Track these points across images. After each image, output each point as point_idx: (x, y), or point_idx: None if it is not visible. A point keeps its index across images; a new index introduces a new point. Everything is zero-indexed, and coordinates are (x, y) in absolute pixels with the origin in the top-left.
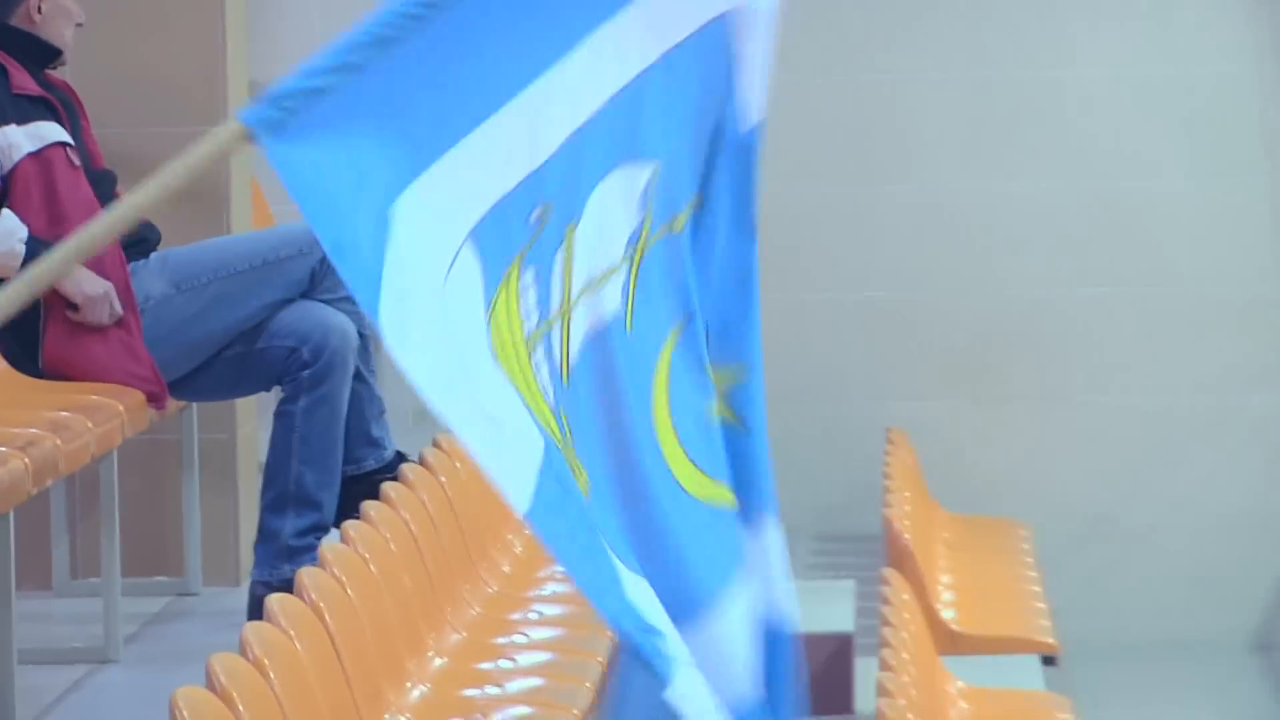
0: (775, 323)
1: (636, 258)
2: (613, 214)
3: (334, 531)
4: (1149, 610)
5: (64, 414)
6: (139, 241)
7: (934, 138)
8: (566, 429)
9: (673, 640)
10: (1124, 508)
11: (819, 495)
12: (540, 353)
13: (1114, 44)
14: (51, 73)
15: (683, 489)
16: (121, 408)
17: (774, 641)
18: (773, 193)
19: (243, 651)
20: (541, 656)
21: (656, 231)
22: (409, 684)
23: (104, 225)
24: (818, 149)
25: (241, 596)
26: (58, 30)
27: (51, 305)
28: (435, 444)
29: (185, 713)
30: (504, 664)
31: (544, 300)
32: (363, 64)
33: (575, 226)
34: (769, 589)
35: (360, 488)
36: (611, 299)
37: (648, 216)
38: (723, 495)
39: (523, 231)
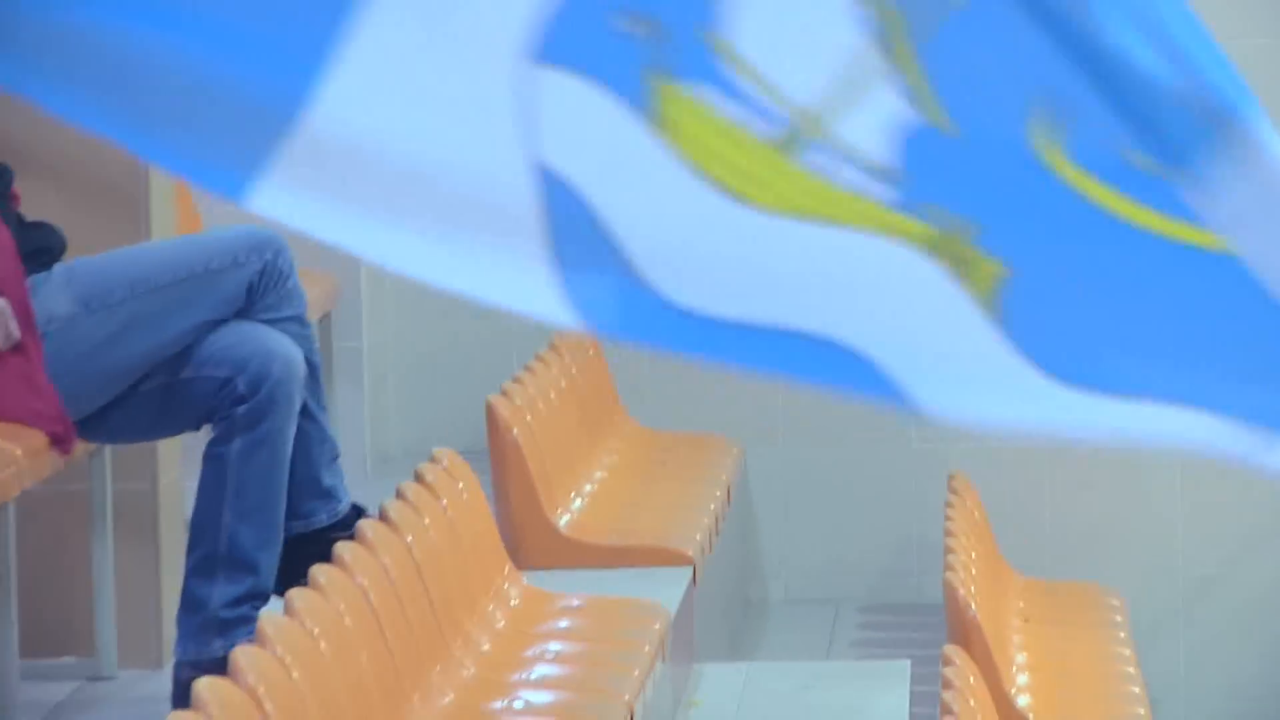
0: None
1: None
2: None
3: (275, 600)
4: (1265, 693)
5: None
6: (40, 250)
7: None
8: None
9: None
10: (1234, 571)
11: (867, 556)
12: (814, 156)
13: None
14: None
15: None
16: (19, 452)
17: None
18: None
19: None
20: None
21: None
22: None
23: None
24: None
25: (164, 680)
26: None
27: None
28: (399, 495)
29: None
30: None
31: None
32: None
33: (717, 35)
34: None
35: (308, 548)
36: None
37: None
38: None
39: (620, 44)
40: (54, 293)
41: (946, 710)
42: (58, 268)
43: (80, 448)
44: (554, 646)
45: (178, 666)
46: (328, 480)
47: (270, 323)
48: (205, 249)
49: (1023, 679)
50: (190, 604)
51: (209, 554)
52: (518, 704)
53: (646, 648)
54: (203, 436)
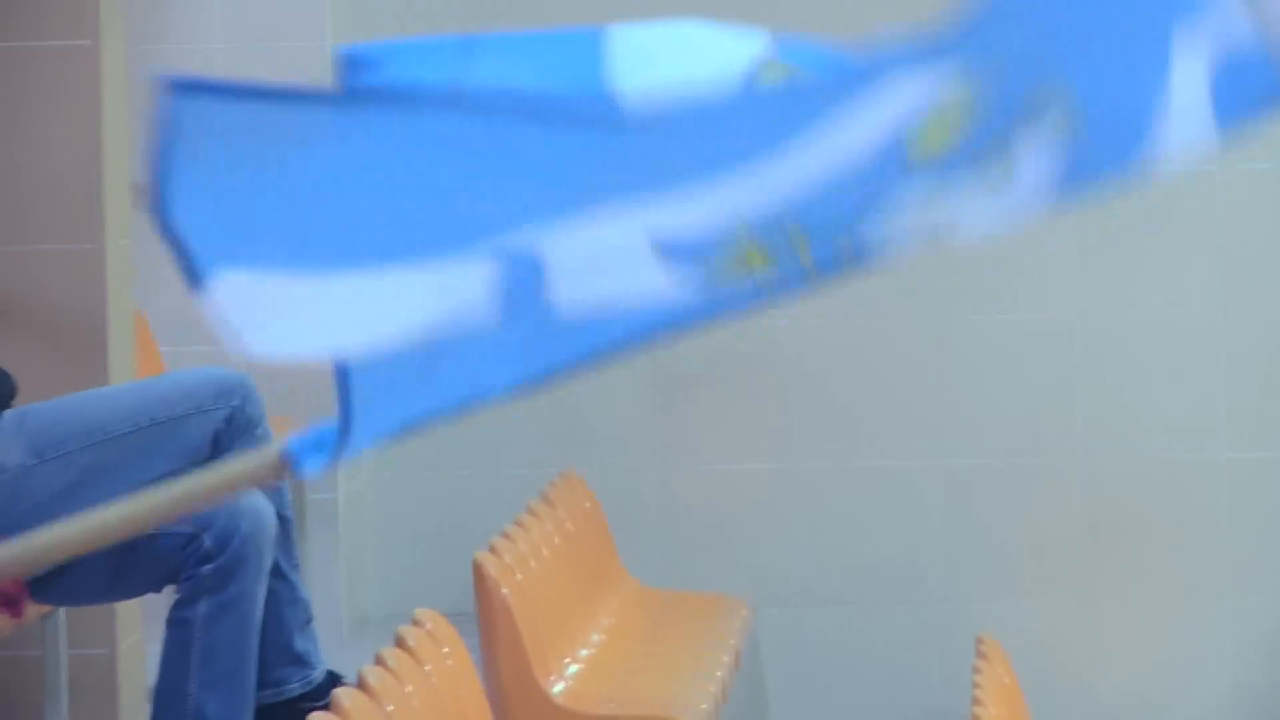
0: (828, 497)
1: None
2: None
3: None
4: None
5: None
6: None
7: (1038, 246)
8: None
9: None
10: None
11: None
12: None
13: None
14: None
15: None
16: None
17: None
18: (820, 325)
19: None
20: None
21: None
22: None
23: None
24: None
25: None
26: None
27: None
28: (379, 660)
29: None
30: None
31: None
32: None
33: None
34: None
35: (281, 718)
36: None
37: None
38: None
39: None
40: (3, 441)
41: None
42: (8, 414)
43: (32, 610)
44: None
45: None
46: (300, 645)
47: None
48: (168, 394)
49: None
50: None
51: None
52: None
53: None
54: (166, 599)
